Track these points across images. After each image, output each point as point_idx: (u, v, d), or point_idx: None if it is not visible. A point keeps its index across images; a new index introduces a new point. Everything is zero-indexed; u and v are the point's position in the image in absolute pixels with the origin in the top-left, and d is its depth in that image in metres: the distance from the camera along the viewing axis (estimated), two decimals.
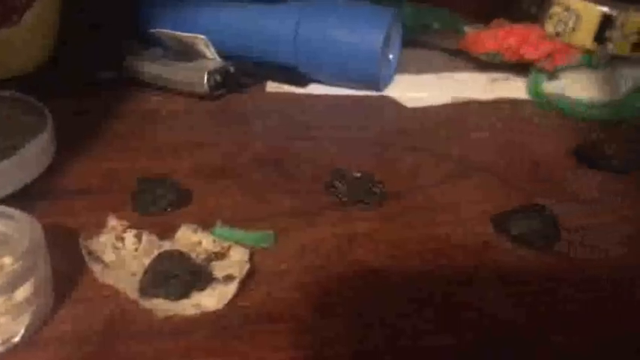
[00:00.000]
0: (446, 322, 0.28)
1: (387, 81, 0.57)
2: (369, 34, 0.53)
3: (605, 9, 0.59)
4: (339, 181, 0.37)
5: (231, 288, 0.29)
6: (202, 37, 0.54)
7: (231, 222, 0.34)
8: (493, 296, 0.30)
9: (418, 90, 0.57)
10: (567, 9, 0.60)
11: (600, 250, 0.33)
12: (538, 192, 0.39)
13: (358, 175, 0.38)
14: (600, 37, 0.60)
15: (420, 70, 0.61)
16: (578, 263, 0.32)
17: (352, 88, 0.56)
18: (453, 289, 0.31)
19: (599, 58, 0.60)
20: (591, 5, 0.58)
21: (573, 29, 0.60)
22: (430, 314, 0.29)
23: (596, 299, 0.30)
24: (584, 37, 0.60)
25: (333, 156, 0.43)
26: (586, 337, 0.28)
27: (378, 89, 0.56)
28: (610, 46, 0.59)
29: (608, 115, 0.47)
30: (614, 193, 0.39)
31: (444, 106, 0.53)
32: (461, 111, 0.52)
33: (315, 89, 0.57)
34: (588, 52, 0.60)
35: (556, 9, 0.60)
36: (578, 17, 0.60)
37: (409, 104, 0.54)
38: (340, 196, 0.37)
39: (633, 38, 0.58)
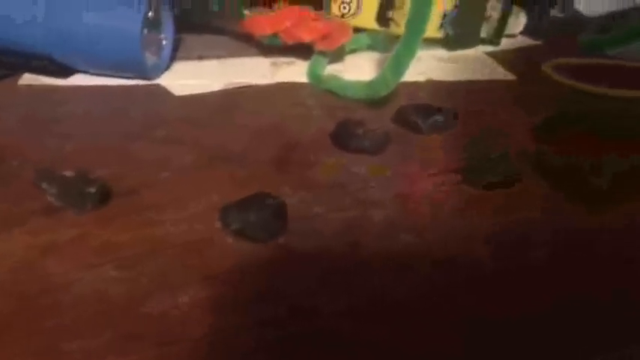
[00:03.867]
0: (128, 339, 0.25)
1: (160, 68, 0.53)
2: (125, 15, 0.48)
3: None
4: (48, 183, 0.32)
5: None
6: None
7: None
8: (190, 301, 0.27)
9: (194, 77, 0.53)
10: None
11: (323, 239, 0.31)
12: (280, 179, 0.37)
13: (70, 173, 0.33)
14: (382, 18, 0.59)
15: (201, 57, 0.57)
16: (297, 256, 0.30)
17: (122, 77, 0.51)
18: (150, 296, 0.27)
19: (381, 39, 0.59)
20: None
21: (356, 10, 0.59)
22: (110, 333, 0.25)
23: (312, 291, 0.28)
24: (367, 18, 0.59)
25: (64, 154, 0.39)
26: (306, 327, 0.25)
27: (147, 77, 0.51)
28: (392, 27, 0.59)
29: (367, 95, 0.45)
30: (358, 177, 0.37)
31: (216, 93, 0.50)
32: (232, 97, 0.49)
33: (78, 80, 0.51)
34: (374, 33, 0.60)
35: None
36: None
37: (179, 92, 0.50)
38: (52, 199, 0.32)
39: None
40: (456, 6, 0.59)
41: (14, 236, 0.30)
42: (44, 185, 0.32)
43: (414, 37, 0.42)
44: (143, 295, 0.27)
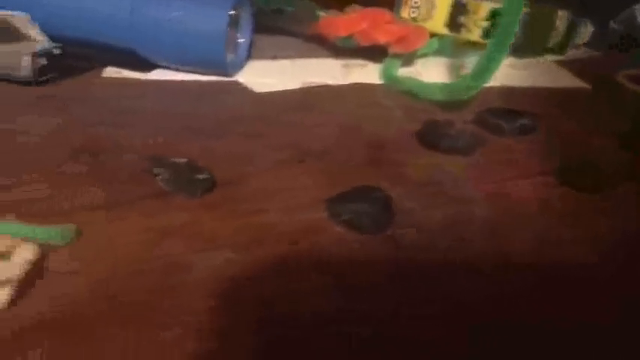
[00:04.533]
0: (254, 319, 0.25)
1: (238, 66, 0.54)
2: (212, 14, 0.49)
3: None
4: (160, 168, 0.33)
5: (5, 293, 0.25)
6: (24, 15, 0.48)
7: (29, 217, 0.30)
8: (310, 286, 0.27)
9: (270, 76, 0.54)
10: None
11: (430, 235, 0.31)
12: (376, 176, 0.37)
13: (182, 161, 0.34)
14: (453, 23, 0.60)
15: (274, 56, 0.58)
16: (406, 248, 0.31)
17: (200, 73, 0.53)
18: (269, 280, 0.28)
19: (450, 44, 0.60)
20: None
21: (427, 15, 0.60)
22: (238, 309, 0.26)
23: (422, 286, 0.28)
24: (438, 22, 0.60)
25: (163, 144, 0.39)
26: (403, 325, 0.26)
27: (226, 74, 0.52)
28: (462, 32, 0.60)
29: (448, 97, 0.46)
30: (452, 176, 0.38)
31: (293, 92, 0.51)
32: (310, 96, 0.50)
33: (159, 75, 0.52)
34: (441, 38, 0.60)
35: None
36: (431, 3, 0.59)
37: (258, 89, 0.51)
38: (162, 184, 0.33)
39: (483, 24, 0.59)
40: (525, 14, 0.60)
41: (131, 219, 0.31)
42: (156, 170, 0.33)
43: (503, 44, 0.42)
44: (260, 279, 0.28)
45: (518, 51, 0.62)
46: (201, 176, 0.33)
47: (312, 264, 0.29)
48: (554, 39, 0.64)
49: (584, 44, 0.68)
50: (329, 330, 0.25)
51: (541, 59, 0.62)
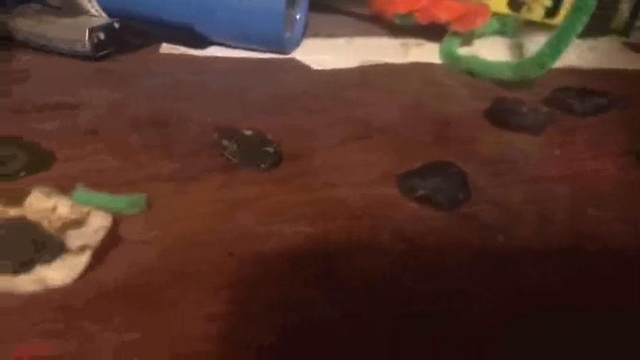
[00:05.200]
0: (322, 292, 0.24)
1: (294, 44, 0.53)
2: None
3: None
4: (228, 140, 0.33)
5: (83, 259, 0.24)
6: None
7: (98, 186, 0.29)
8: (387, 262, 0.26)
9: (327, 53, 0.53)
10: None
11: (506, 214, 0.30)
12: (445, 152, 0.36)
13: (249, 133, 0.33)
14: (515, 3, 0.58)
15: (330, 35, 0.57)
16: (483, 228, 0.29)
17: (256, 50, 0.52)
18: (341, 256, 0.27)
19: (511, 24, 0.58)
20: None
21: None
22: (311, 282, 0.25)
23: (499, 266, 0.27)
24: (499, 1, 0.58)
25: (225, 117, 0.39)
26: (473, 308, 0.24)
27: (283, 51, 0.51)
28: (524, 11, 0.58)
29: (517, 75, 0.44)
30: (525, 154, 0.36)
31: (352, 70, 0.50)
32: (368, 74, 0.49)
33: (215, 51, 0.52)
34: (502, 17, 0.58)
35: None
36: None
37: (315, 67, 0.50)
38: (230, 156, 0.33)
39: (546, 3, 0.57)
40: None
41: (200, 191, 0.31)
42: (225, 142, 0.33)
43: (578, 18, 0.40)
44: (331, 253, 0.27)
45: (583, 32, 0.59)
46: (270, 149, 0.33)
47: (385, 240, 0.28)
48: (618, 20, 0.61)
49: None
50: (399, 310, 0.24)
51: (608, 41, 0.60)
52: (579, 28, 0.41)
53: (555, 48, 0.42)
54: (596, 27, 0.60)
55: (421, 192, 0.30)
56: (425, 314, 0.24)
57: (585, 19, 0.40)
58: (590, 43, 0.58)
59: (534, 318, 0.24)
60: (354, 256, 0.27)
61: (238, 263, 0.26)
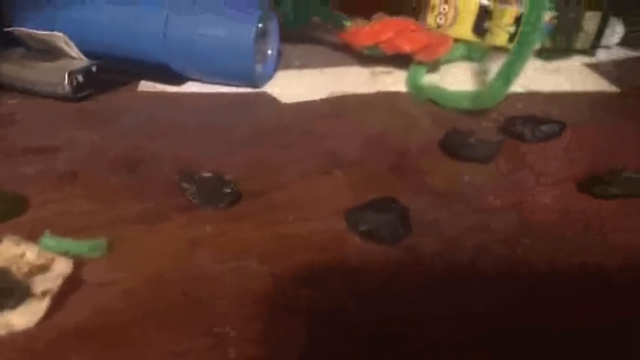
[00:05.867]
0: (280, 323, 0.27)
1: (266, 77, 0.56)
2: (240, 28, 0.51)
3: (483, 1, 0.59)
4: (188, 183, 0.35)
5: (44, 304, 0.27)
6: (60, 34, 0.50)
7: (67, 231, 0.32)
8: (334, 293, 0.29)
9: (298, 85, 0.55)
10: (446, 1, 0.60)
11: (447, 244, 0.32)
12: (398, 185, 0.38)
13: (208, 174, 0.36)
14: (479, 29, 0.60)
15: (303, 66, 0.60)
16: (424, 257, 0.31)
17: (230, 85, 0.54)
18: (293, 289, 0.29)
19: (477, 49, 0.60)
20: None
21: (453, 21, 0.60)
22: (265, 316, 0.27)
23: (437, 293, 0.29)
24: (464, 29, 0.60)
25: (195, 157, 0.41)
26: (426, 330, 0.27)
27: (255, 85, 0.54)
28: (488, 37, 0.60)
29: (474, 105, 0.46)
30: (472, 185, 0.38)
31: (322, 101, 0.52)
32: (338, 104, 0.51)
33: (191, 87, 0.54)
34: (469, 43, 0.61)
35: (436, 1, 0.60)
36: (456, 10, 0.60)
37: (286, 100, 0.52)
38: (191, 197, 0.35)
39: (510, 29, 0.59)
40: (553, 18, 0.60)
41: (163, 231, 0.33)
42: (185, 185, 0.35)
43: (526, 48, 0.43)
44: (290, 288, 0.29)
45: (546, 53, 0.62)
46: (228, 189, 0.35)
47: (331, 272, 0.30)
48: (583, 40, 0.63)
49: (617, 44, 0.67)
50: (350, 333, 0.26)
51: (571, 62, 0.62)
52: (526, 60, 0.43)
53: (505, 79, 0.44)
54: (561, 49, 0.63)
55: (364, 227, 0.32)
56: (373, 338, 0.26)
57: (529, 53, 0.43)
58: (553, 64, 0.60)
59: (492, 336, 0.26)
60: (300, 290, 0.29)
61: (193, 302, 0.28)
